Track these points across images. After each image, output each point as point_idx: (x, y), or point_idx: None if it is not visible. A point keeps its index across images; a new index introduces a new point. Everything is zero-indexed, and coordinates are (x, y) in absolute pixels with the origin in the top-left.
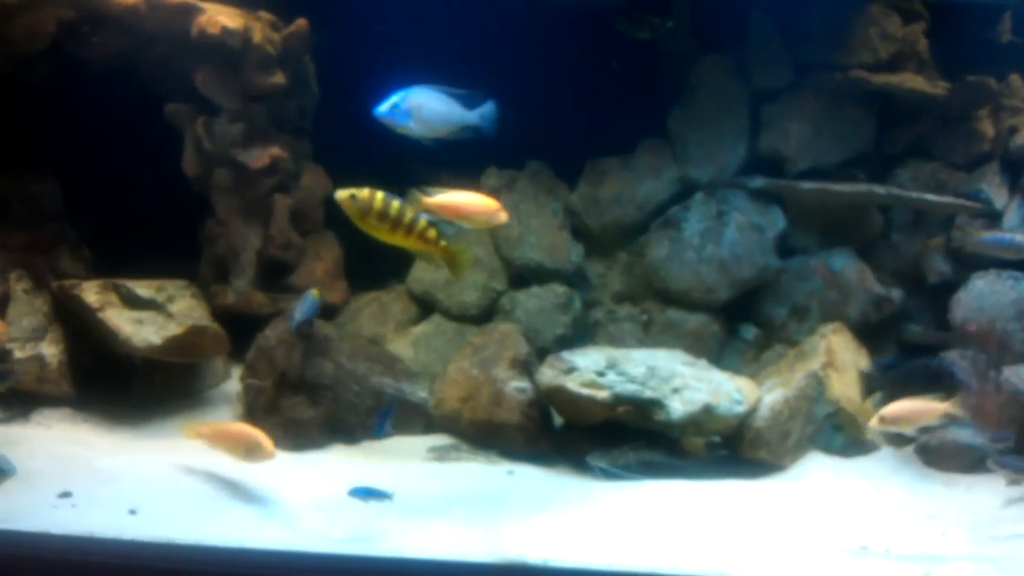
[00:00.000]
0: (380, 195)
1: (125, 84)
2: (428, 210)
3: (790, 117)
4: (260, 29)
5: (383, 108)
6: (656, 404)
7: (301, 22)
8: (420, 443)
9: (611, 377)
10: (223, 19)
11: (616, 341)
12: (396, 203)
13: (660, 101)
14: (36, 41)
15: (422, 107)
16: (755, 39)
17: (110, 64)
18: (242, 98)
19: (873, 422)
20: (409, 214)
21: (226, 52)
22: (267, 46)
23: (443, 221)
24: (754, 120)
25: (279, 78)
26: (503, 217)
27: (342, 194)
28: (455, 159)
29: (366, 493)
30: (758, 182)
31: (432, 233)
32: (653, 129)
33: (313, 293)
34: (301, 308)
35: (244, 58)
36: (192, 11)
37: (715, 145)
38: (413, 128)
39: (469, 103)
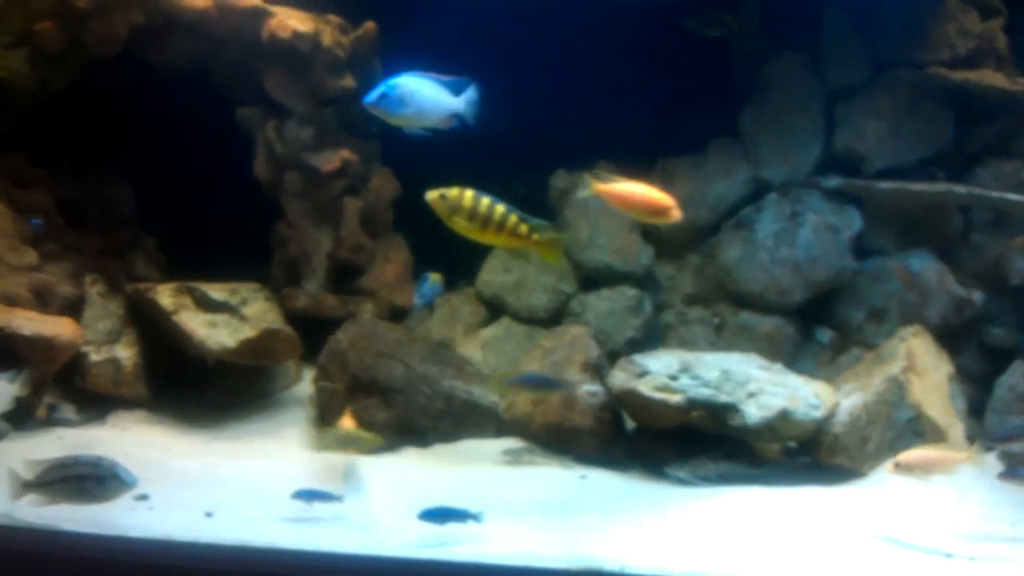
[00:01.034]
0: (469, 193)
1: (196, 88)
2: (598, 195)
3: (866, 115)
4: (330, 32)
5: (372, 97)
6: (731, 409)
7: (370, 25)
8: (491, 447)
9: (684, 381)
10: (293, 23)
11: (687, 344)
12: (486, 200)
13: (731, 100)
14: (108, 46)
15: (414, 94)
16: (829, 36)
17: (181, 69)
18: (312, 101)
19: (889, 468)
20: (499, 211)
21: (296, 56)
22: (336, 49)
23: (534, 220)
24: (829, 119)
25: (348, 81)
26: (675, 215)
27: (432, 194)
28: (525, 159)
29: (442, 515)
30: (833, 182)
31: (524, 228)
32: (724, 128)
33: (432, 276)
34: (421, 291)
35: (314, 61)
36: (262, 15)
37: (788, 144)
38: (408, 115)
39: (454, 89)
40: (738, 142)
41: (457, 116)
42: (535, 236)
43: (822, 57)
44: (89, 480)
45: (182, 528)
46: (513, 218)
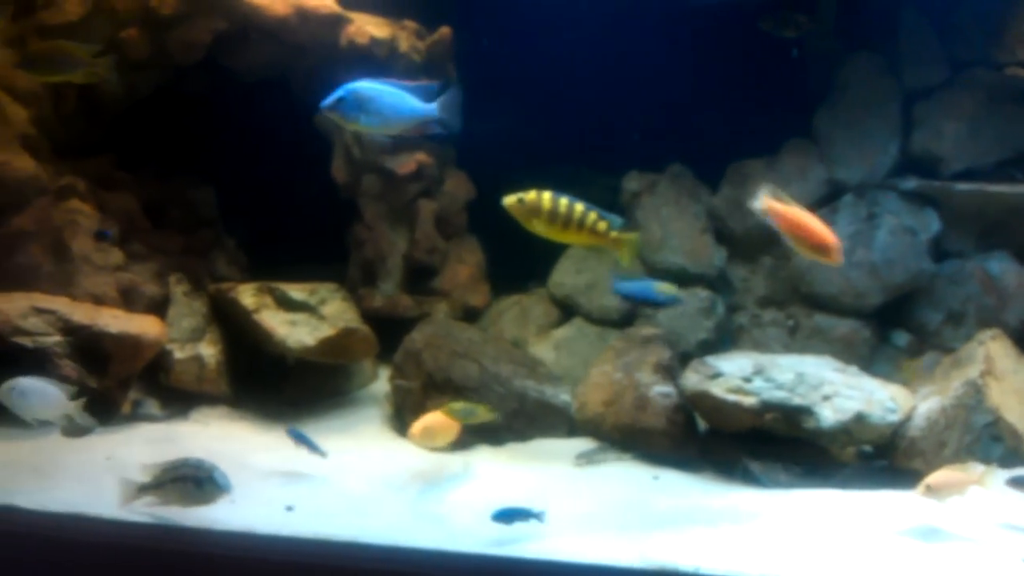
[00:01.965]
0: (547, 195)
1: (275, 93)
2: (767, 212)
3: (944, 116)
4: (406, 38)
5: (328, 102)
6: (805, 412)
7: (444, 30)
8: (564, 446)
9: (758, 383)
10: (371, 29)
11: (761, 346)
12: (564, 201)
13: (805, 101)
14: (192, 52)
15: (373, 100)
16: (906, 36)
17: (261, 74)
18: None
19: (919, 491)
20: (579, 209)
21: (373, 61)
22: (413, 55)
23: (611, 216)
24: (905, 120)
25: None
26: (837, 259)
27: (509, 199)
28: (597, 161)
29: (510, 515)
30: (911, 183)
31: (602, 226)
32: (797, 130)
33: (664, 286)
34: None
35: (391, 66)
36: (341, 22)
37: (864, 145)
38: (363, 122)
39: (427, 95)
40: (813, 143)
41: (438, 123)
42: (613, 234)
43: (898, 57)
44: (190, 482)
45: (264, 521)
46: (592, 215)
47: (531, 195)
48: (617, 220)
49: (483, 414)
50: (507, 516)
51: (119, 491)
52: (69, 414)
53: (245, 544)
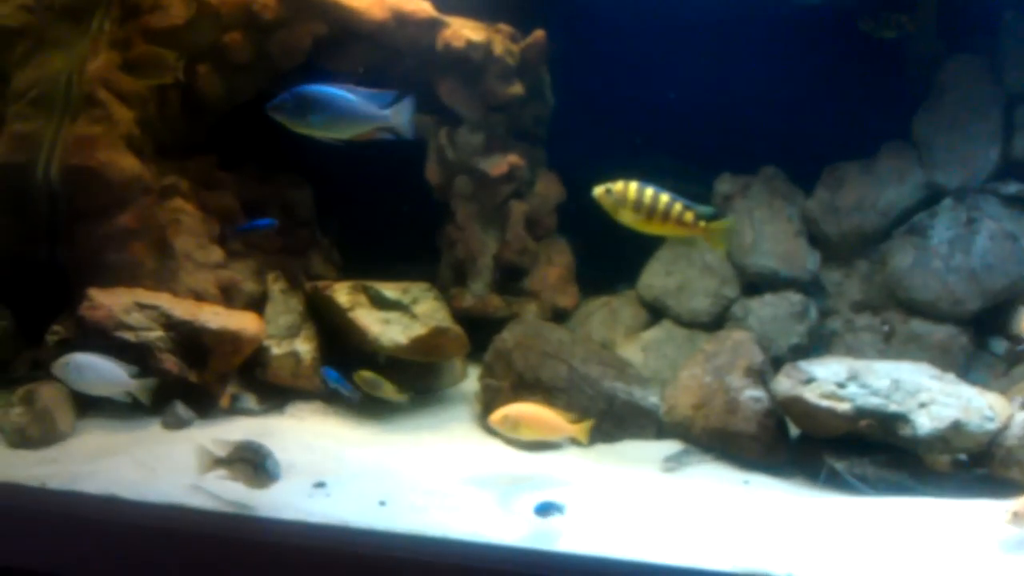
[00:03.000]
0: (634, 185)
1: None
2: None
3: None
4: (500, 41)
5: (274, 103)
6: (901, 419)
7: (539, 33)
8: (652, 448)
9: (852, 389)
10: (467, 33)
11: (854, 352)
12: (650, 191)
13: (902, 103)
14: (292, 56)
15: (321, 103)
16: (1008, 38)
17: (358, 78)
18: (483, 108)
19: (1006, 519)
20: (664, 200)
21: (469, 64)
22: (507, 58)
23: (699, 207)
24: (1007, 123)
25: (517, 88)
26: None
27: (598, 190)
28: (689, 164)
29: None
30: (1012, 188)
31: (690, 216)
32: (894, 132)
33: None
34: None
35: (485, 70)
36: (438, 26)
37: (965, 149)
38: (316, 125)
39: (382, 102)
40: (911, 146)
41: (389, 130)
42: (701, 223)
43: (1001, 60)
44: (250, 464)
45: (358, 515)
46: (678, 206)
47: (618, 185)
48: (706, 210)
49: (389, 390)
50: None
51: (196, 460)
52: (131, 392)
53: (341, 537)
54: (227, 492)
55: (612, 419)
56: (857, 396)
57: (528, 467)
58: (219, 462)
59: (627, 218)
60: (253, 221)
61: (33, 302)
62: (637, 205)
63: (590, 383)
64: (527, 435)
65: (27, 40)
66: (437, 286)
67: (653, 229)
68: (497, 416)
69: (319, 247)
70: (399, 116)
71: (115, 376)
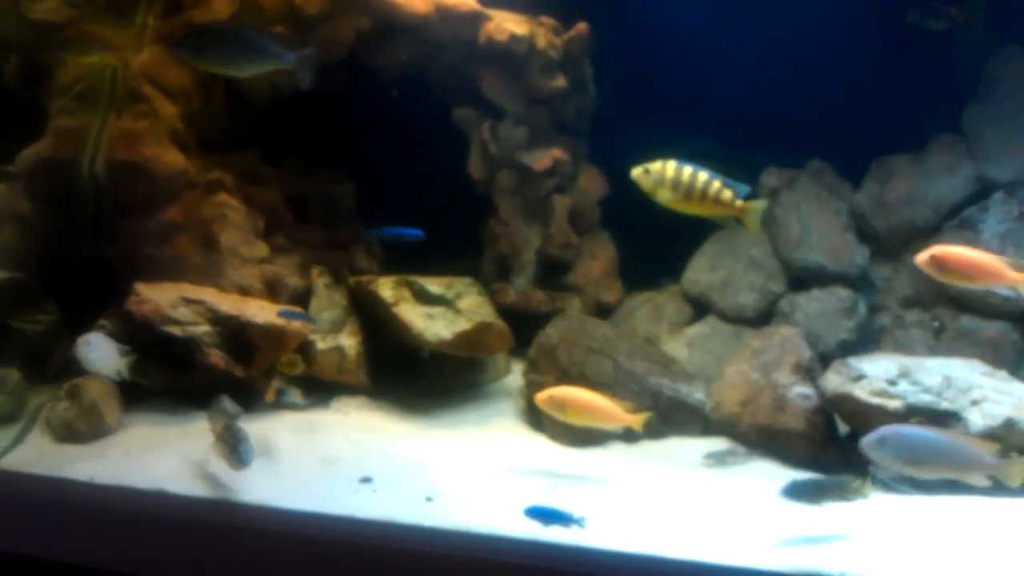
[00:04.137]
0: (672, 163)
1: (414, 90)
2: None
3: None
4: (543, 34)
5: (177, 41)
6: (953, 417)
7: (582, 26)
8: (698, 445)
9: (903, 386)
10: (510, 26)
11: (904, 348)
12: (688, 169)
13: (951, 95)
14: (335, 50)
15: (219, 39)
16: None
17: (401, 71)
18: (526, 102)
19: None
20: (702, 178)
21: (512, 58)
22: (550, 51)
23: (738, 185)
24: None
25: (560, 81)
26: None
27: (636, 170)
28: (734, 157)
29: (544, 516)
30: None
31: (727, 194)
32: (943, 125)
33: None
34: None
35: (528, 63)
36: (480, 19)
37: (1016, 142)
38: (214, 61)
39: (286, 46)
40: (961, 139)
41: (290, 74)
42: (739, 202)
43: None
44: (227, 445)
45: (404, 511)
46: (716, 183)
47: (656, 164)
48: (744, 188)
49: (298, 365)
50: (543, 516)
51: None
52: (119, 370)
53: (389, 533)
54: (272, 488)
55: (657, 415)
56: (908, 394)
57: (573, 463)
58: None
59: (665, 197)
60: (399, 229)
61: (79, 297)
62: (675, 183)
63: (635, 379)
64: (575, 419)
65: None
66: (480, 281)
67: (690, 208)
68: (543, 395)
69: (362, 241)
70: (302, 64)
71: (112, 356)
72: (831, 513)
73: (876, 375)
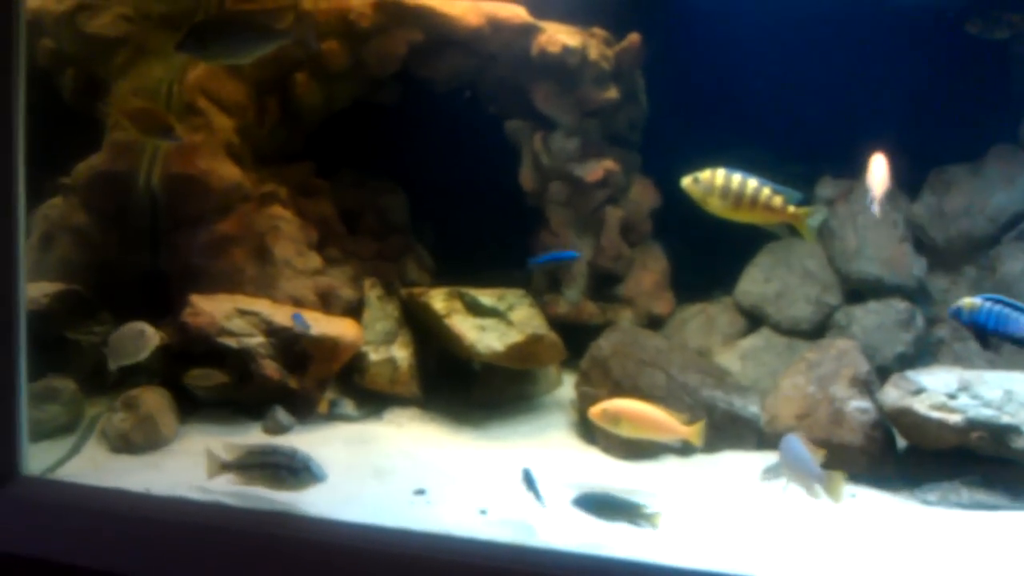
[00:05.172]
0: (722, 171)
1: (465, 102)
2: None
3: None
4: (595, 46)
5: (179, 42)
6: (1014, 431)
7: (633, 37)
8: (753, 459)
9: (963, 400)
10: (563, 38)
11: (962, 361)
12: (737, 177)
13: (1010, 105)
14: (388, 64)
15: (216, 31)
16: None
17: (451, 84)
18: (578, 113)
19: None
20: (751, 185)
21: (564, 69)
22: (602, 62)
23: (789, 191)
24: None
25: (612, 93)
26: None
27: (686, 180)
28: (790, 168)
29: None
30: None
31: (778, 201)
32: (1002, 135)
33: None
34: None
35: (581, 74)
36: (533, 31)
37: None
38: (216, 54)
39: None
40: (1020, 149)
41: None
42: (790, 209)
43: None
44: (284, 469)
45: (459, 524)
46: (767, 191)
47: (706, 173)
48: (795, 195)
49: (217, 377)
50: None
51: (205, 463)
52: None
53: (444, 546)
54: (326, 500)
55: (711, 429)
56: (968, 407)
57: (627, 477)
58: (226, 467)
59: (715, 206)
60: (556, 254)
61: (135, 308)
62: (725, 192)
63: (689, 392)
64: (629, 432)
65: (127, 50)
66: (531, 292)
67: (741, 216)
68: (597, 409)
69: (414, 253)
70: (302, 32)
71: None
72: (896, 530)
73: (936, 389)
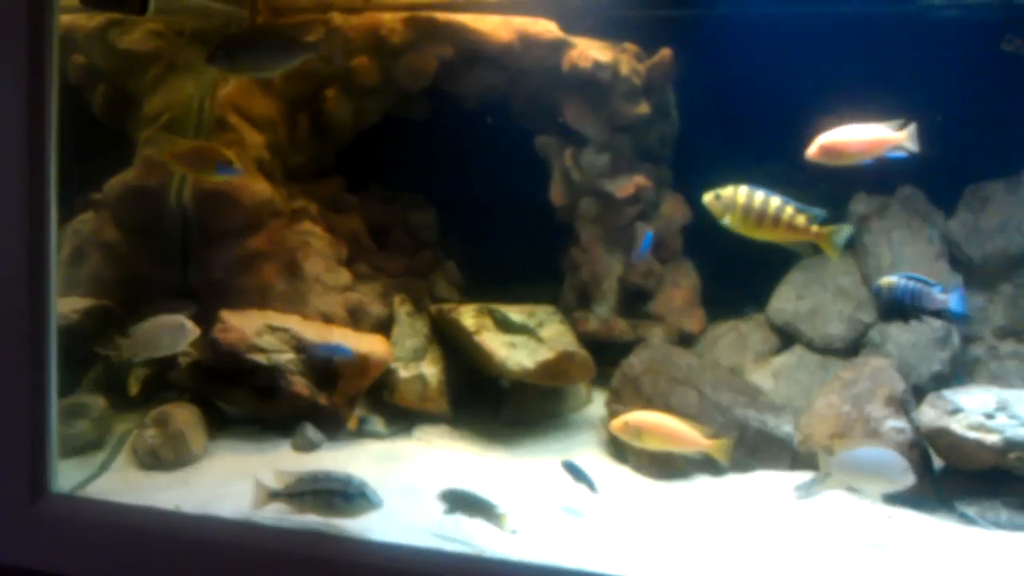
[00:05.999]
0: (744, 188)
1: (495, 117)
2: None
3: None
4: (626, 61)
5: (209, 55)
6: None
7: (665, 52)
8: (787, 479)
9: (1001, 420)
10: (594, 53)
11: (999, 380)
12: (760, 195)
13: None
14: (419, 80)
15: (245, 47)
16: None
17: (482, 100)
18: (608, 129)
19: None
20: (774, 204)
21: (595, 85)
22: (633, 78)
23: (812, 209)
24: None
25: (643, 108)
26: None
27: (707, 196)
28: (822, 185)
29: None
30: None
31: (801, 219)
32: None
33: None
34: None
35: (612, 90)
36: (564, 46)
37: None
38: (247, 68)
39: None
40: None
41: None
42: (814, 228)
43: None
44: (338, 496)
45: (490, 544)
46: (789, 210)
47: (727, 190)
48: (820, 213)
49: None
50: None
51: (252, 493)
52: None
53: (476, 566)
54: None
55: (744, 448)
56: (1007, 428)
57: (660, 496)
58: (275, 496)
59: (736, 224)
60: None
61: None
62: (747, 209)
63: (721, 410)
64: (651, 444)
65: (158, 65)
66: (560, 308)
67: (764, 235)
68: (618, 423)
69: (443, 269)
70: (328, 47)
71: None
72: (926, 551)
73: (973, 408)
